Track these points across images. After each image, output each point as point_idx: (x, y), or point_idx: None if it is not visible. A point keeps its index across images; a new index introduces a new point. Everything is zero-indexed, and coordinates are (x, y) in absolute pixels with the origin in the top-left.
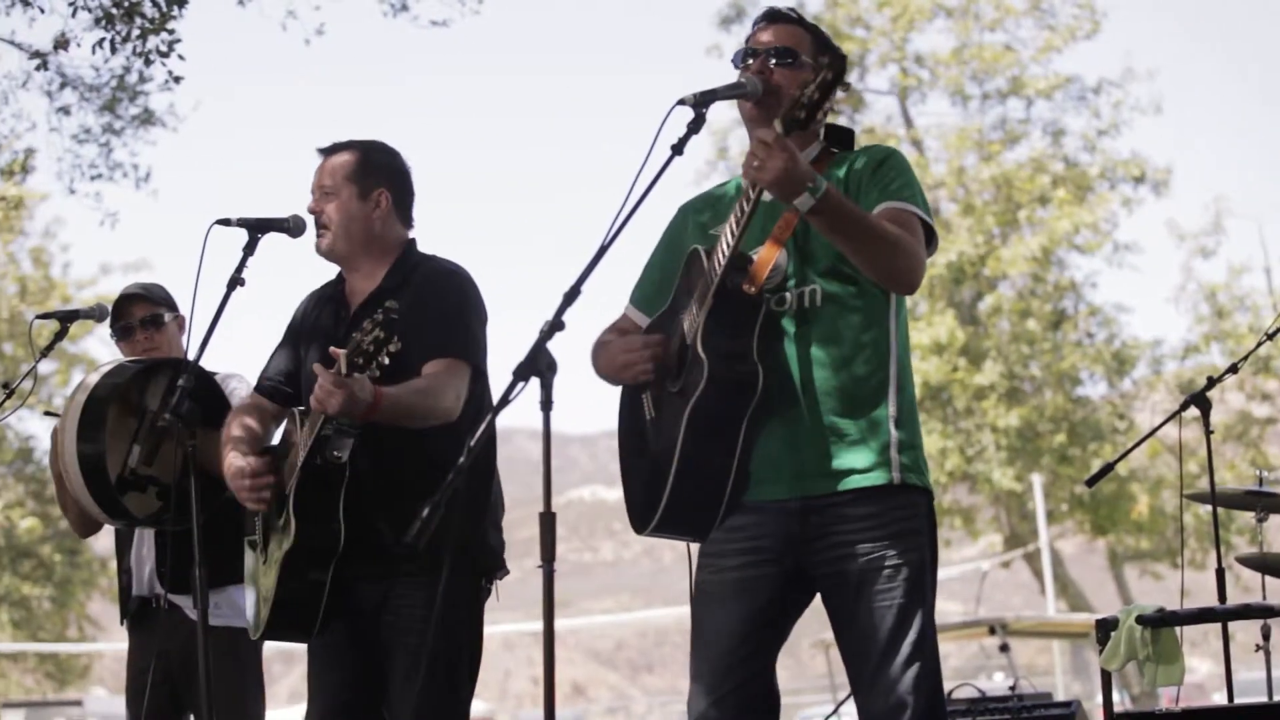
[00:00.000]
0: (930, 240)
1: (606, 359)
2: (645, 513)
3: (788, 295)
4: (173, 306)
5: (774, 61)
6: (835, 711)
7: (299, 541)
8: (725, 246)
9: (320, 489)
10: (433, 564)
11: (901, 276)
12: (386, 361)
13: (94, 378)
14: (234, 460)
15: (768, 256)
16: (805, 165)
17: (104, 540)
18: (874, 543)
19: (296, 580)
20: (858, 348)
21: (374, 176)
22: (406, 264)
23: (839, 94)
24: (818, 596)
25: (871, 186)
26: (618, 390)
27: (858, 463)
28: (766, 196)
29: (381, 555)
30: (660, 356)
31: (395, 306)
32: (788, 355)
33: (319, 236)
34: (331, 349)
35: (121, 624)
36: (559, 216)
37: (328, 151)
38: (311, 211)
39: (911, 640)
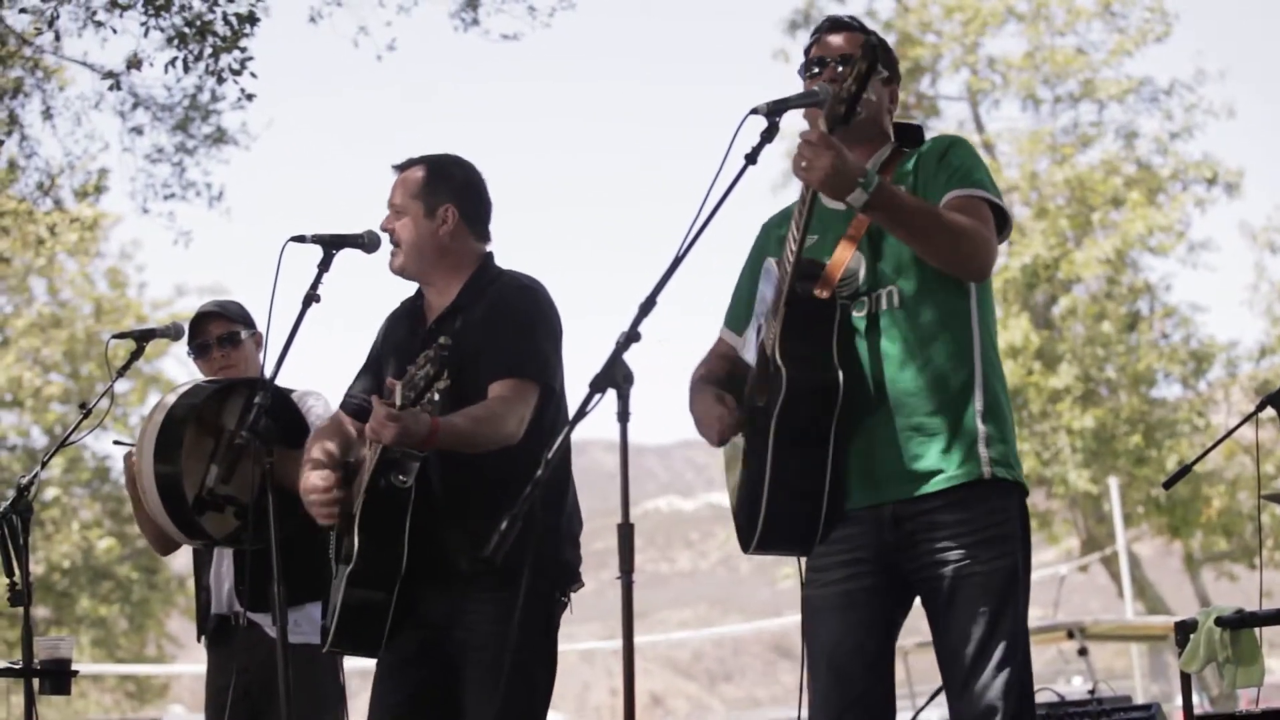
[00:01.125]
0: (1004, 224)
1: (697, 415)
2: (748, 532)
3: (866, 298)
4: (250, 324)
5: (841, 69)
6: (914, 718)
7: (364, 563)
8: (789, 254)
9: (385, 512)
10: (505, 579)
11: (969, 264)
12: (437, 398)
13: (170, 398)
14: (307, 476)
15: (840, 259)
16: (854, 160)
17: (181, 559)
18: (965, 548)
19: (361, 601)
20: (939, 345)
21: (440, 193)
22: (482, 279)
23: (887, 89)
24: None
25: (938, 175)
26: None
27: (944, 461)
28: (824, 199)
29: (449, 574)
30: (729, 435)
31: (448, 343)
32: (869, 358)
33: (392, 255)
34: (388, 380)
35: (199, 641)
36: (634, 225)
37: (400, 168)
38: (384, 230)
39: (1002, 649)
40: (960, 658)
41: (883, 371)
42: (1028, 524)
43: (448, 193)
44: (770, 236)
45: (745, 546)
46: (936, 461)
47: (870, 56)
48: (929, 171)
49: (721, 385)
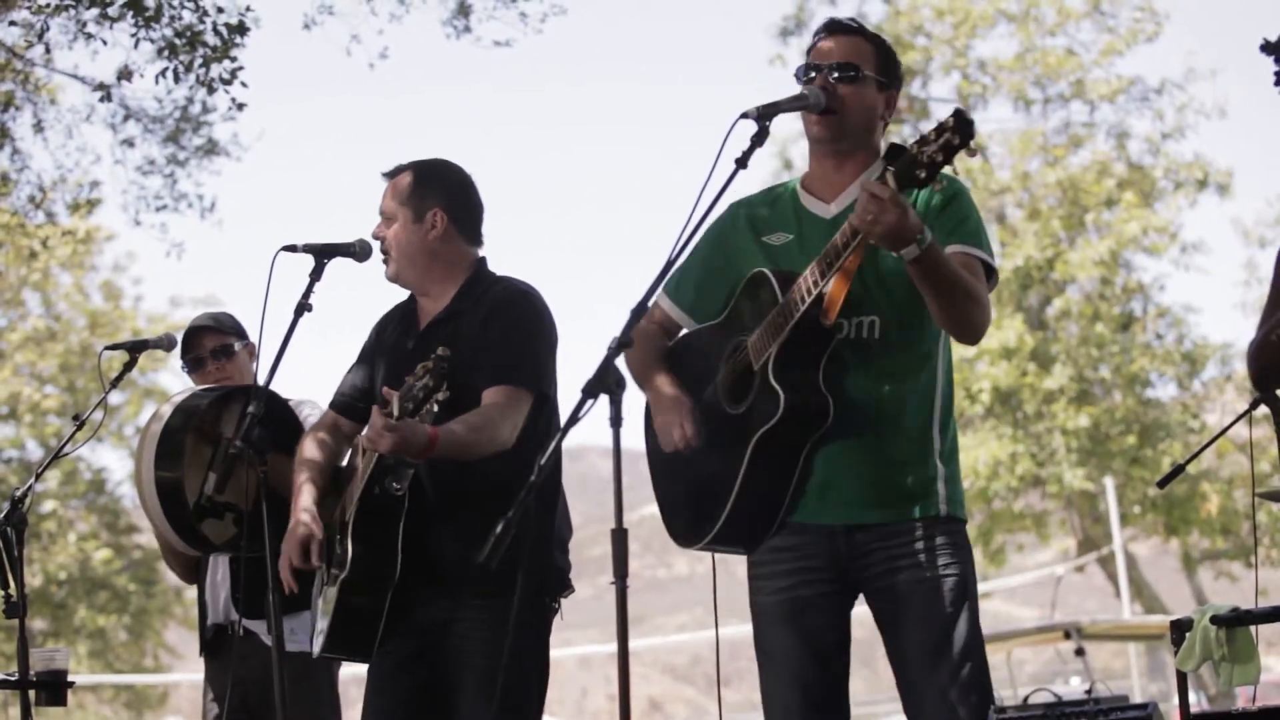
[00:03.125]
0: (992, 285)
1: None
2: (696, 527)
3: (844, 323)
4: (242, 334)
5: (835, 76)
6: None
7: (357, 570)
8: (811, 284)
9: (379, 519)
10: (497, 585)
11: (975, 331)
12: (435, 409)
13: (167, 408)
14: (307, 525)
15: (839, 289)
16: (916, 218)
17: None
18: (917, 555)
19: (355, 607)
20: (910, 382)
21: (428, 197)
22: (477, 286)
23: (883, 95)
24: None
25: (940, 226)
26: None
27: (905, 497)
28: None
29: (442, 580)
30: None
31: (447, 354)
32: (843, 387)
33: (385, 263)
34: (385, 389)
35: (201, 654)
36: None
37: (389, 175)
38: (375, 238)
39: (957, 651)
40: (914, 662)
41: (856, 400)
42: (971, 554)
43: (435, 197)
44: (739, 218)
45: (687, 541)
46: (897, 495)
47: (965, 132)
48: (931, 214)
49: (662, 357)
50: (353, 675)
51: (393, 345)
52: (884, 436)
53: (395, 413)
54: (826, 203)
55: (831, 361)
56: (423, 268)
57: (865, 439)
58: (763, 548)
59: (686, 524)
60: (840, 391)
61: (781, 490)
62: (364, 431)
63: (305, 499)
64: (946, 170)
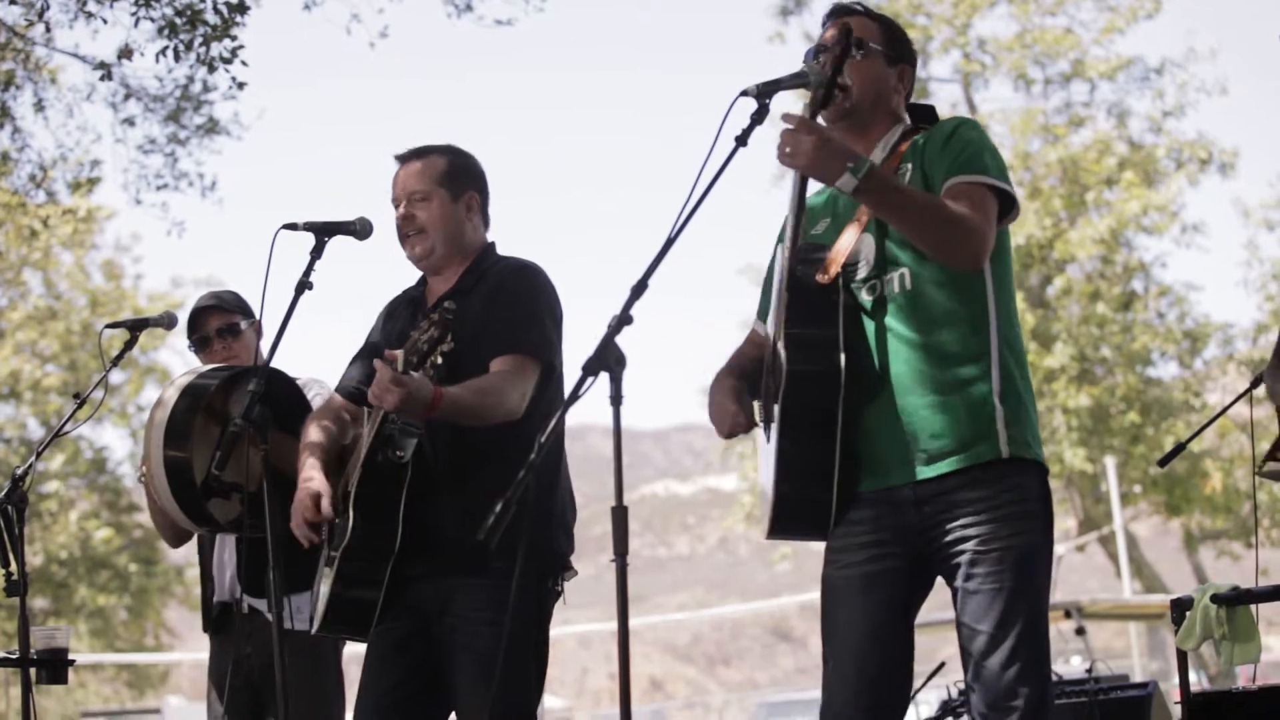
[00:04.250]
0: (1009, 207)
1: (710, 408)
2: (765, 518)
3: (876, 281)
4: (248, 312)
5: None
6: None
7: (358, 539)
8: (787, 241)
9: (381, 487)
10: (497, 565)
11: (959, 253)
12: (440, 361)
13: (176, 387)
14: (312, 482)
15: (846, 243)
16: (841, 144)
17: (180, 549)
18: (984, 526)
19: (354, 578)
20: (951, 327)
21: (463, 179)
22: (482, 264)
23: (894, 69)
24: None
25: (943, 157)
26: (693, 386)
27: (961, 442)
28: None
29: (442, 552)
30: (750, 422)
31: (452, 306)
32: (880, 341)
33: (414, 242)
34: (387, 351)
35: (205, 631)
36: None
37: (410, 157)
38: (403, 218)
39: (1020, 626)
40: (977, 635)
41: (896, 354)
42: (1049, 502)
43: (469, 180)
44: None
45: (767, 532)
46: (952, 443)
47: (844, 40)
48: (934, 152)
49: (750, 374)
50: (354, 654)
51: (402, 330)
52: (930, 386)
53: (400, 366)
54: None
55: (851, 319)
56: (456, 246)
57: (912, 392)
58: (839, 522)
59: (764, 517)
60: (870, 349)
61: (827, 464)
62: (370, 389)
63: (310, 466)
64: (963, 113)
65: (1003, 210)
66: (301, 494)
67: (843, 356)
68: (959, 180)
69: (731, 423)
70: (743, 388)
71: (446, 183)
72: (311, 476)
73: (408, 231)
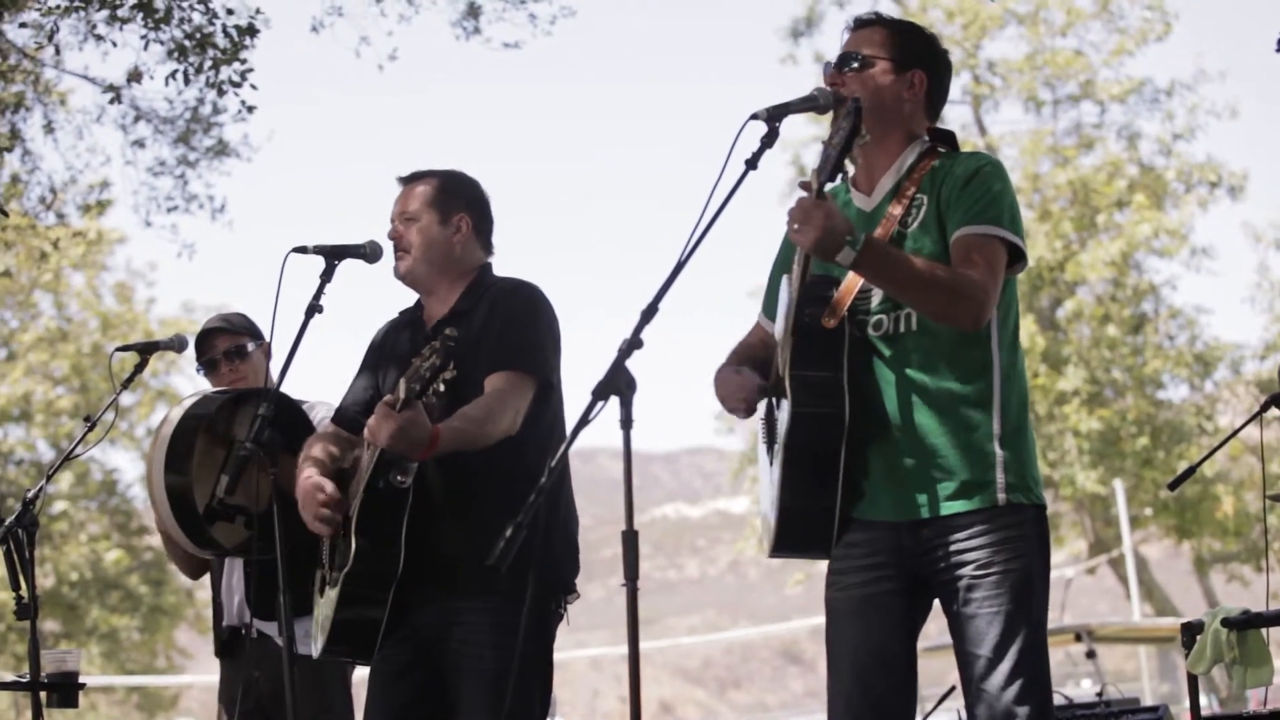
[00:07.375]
0: (1019, 258)
1: (719, 394)
2: (768, 536)
3: (884, 317)
4: (256, 334)
5: (836, 70)
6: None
7: (360, 565)
8: (794, 287)
9: (383, 512)
10: (501, 588)
11: (958, 319)
12: (442, 389)
13: (177, 412)
14: (309, 477)
15: (852, 285)
16: (842, 221)
17: None
18: (981, 552)
19: (356, 603)
20: (957, 367)
21: (455, 203)
22: (480, 286)
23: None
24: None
25: (959, 203)
26: (703, 409)
27: (959, 488)
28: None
29: (445, 575)
30: (754, 403)
31: (454, 334)
32: (883, 381)
33: (398, 260)
34: (386, 397)
35: (216, 655)
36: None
37: (408, 180)
38: (392, 238)
39: (1018, 649)
40: (976, 658)
41: (898, 395)
42: (1046, 537)
43: (462, 203)
44: None
45: (769, 550)
46: (950, 488)
47: (854, 118)
48: (952, 191)
49: (754, 364)
50: (362, 678)
51: (405, 354)
52: (931, 428)
53: (402, 395)
54: (866, 194)
55: (856, 360)
56: (439, 267)
57: (912, 434)
58: (839, 544)
59: (766, 532)
60: (874, 390)
61: (829, 494)
62: (368, 424)
63: (308, 467)
64: (979, 148)
65: (1012, 259)
66: (303, 487)
67: (847, 400)
68: (971, 231)
69: (748, 400)
70: (740, 368)
71: (437, 204)
72: (310, 474)
73: (396, 250)
